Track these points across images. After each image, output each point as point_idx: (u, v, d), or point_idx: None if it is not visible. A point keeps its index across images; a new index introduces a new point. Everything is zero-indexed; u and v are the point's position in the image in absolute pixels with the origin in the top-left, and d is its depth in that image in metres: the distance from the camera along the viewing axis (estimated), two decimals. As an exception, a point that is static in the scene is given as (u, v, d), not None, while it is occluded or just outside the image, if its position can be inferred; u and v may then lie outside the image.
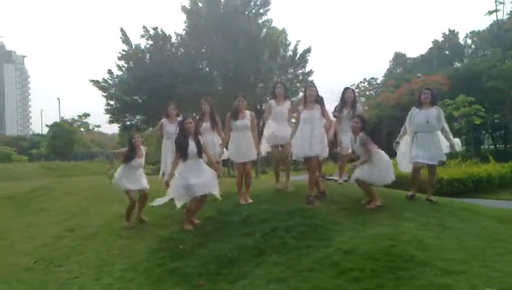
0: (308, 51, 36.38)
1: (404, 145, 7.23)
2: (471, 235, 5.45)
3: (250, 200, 7.18)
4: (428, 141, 6.86)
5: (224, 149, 7.66)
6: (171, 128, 7.94)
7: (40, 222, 9.45)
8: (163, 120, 8.24)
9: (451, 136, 6.99)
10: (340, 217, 6.13)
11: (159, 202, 6.76)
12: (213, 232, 6.46)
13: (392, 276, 4.45)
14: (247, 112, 7.35)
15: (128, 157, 7.63)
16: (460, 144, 7.16)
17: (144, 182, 7.75)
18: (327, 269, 4.82)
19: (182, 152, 6.59)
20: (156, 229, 7.15)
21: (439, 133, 6.95)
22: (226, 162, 8.16)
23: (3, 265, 6.95)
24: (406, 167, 7.23)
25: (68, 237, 7.92)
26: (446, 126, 7.00)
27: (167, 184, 6.76)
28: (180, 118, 7.45)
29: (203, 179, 6.61)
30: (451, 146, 6.95)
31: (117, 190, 7.95)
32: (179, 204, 6.68)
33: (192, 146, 6.61)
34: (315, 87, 7.03)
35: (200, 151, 6.66)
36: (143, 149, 7.83)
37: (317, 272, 4.82)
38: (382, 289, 4.32)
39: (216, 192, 6.79)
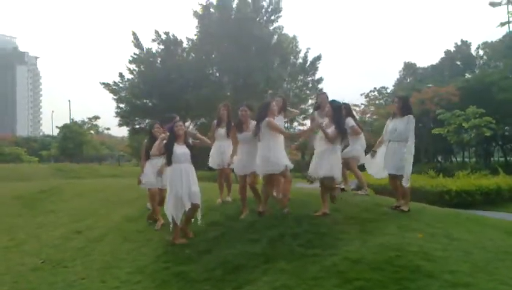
0: (318, 58, 36.39)
1: (380, 155, 7.24)
2: (478, 247, 5.40)
3: (262, 209, 6.84)
4: (395, 150, 6.83)
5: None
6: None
7: (49, 223, 9.55)
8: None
9: (410, 151, 6.75)
10: (347, 226, 6.11)
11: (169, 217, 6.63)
12: (219, 237, 6.46)
13: (398, 287, 4.43)
14: (252, 123, 7.00)
15: (151, 149, 7.29)
16: (408, 179, 6.77)
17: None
18: (333, 278, 4.81)
19: (168, 157, 6.52)
20: (163, 234, 7.17)
21: (409, 144, 6.77)
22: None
23: (11, 265, 7.03)
24: (376, 173, 7.32)
25: (76, 238, 7.99)
26: (411, 138, 6.78)
27: None
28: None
29: (193, 187, 6.52)
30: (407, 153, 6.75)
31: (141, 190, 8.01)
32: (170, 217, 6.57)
33: (181, 150, 6.54)
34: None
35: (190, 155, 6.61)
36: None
37: (323, 281, 4.81)
38: (387, 299, 4.31)
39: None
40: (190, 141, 6.87)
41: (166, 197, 6.60)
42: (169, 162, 6.53)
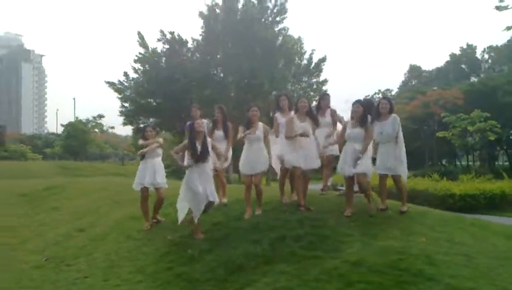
0: (323, 60, 36.32)
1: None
2: (481, 252, 5.39)
3: (259, 212, 7.05)
4: (386, 151, 6.84)
5: (229, 157, 7.88)
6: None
7: (52, 221, 9.59)
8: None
9: (403, 150, 6.84)
10: (349, 229, 6.10)
11: (180, 215, 6.80)
12: (221, 238, 6.48)
13: (399, 290, 4.42)
14: (260, 124, 7.24)
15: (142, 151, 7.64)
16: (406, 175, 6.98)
17: (158, 178, 7.64)
18: (334, 281, 4.80)
19: (194, 156, 6.60)
20: (165, 233, 7.19)
21: (399, 143, 6.82)
22: (238, 169, 8.22)
23: (14, 262, 7.06)
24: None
25: (79, 236, 8.02)
26: (400, 135, 6.83)
27: None
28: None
29: (209, 185, 6.65)
30: (399, 158, 6.81)
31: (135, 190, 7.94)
32: (181, 217, 6.76)
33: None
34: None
35: (205, 155, 6.67)
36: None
37: (324, 283, 4.80)
38: (389, 302, 4.30)
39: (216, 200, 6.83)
40: (208, 141, 6.88)
41: (182, 194, 6.70)
42: (196, 160, 6.58)
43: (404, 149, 6.91)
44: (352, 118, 6.90)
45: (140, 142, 7.80)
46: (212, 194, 6.63)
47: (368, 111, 7.28)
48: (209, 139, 6.89)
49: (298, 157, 6.89)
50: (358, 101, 6.98)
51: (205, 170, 6.68)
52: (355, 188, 7.16)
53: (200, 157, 6.59)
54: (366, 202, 6.86)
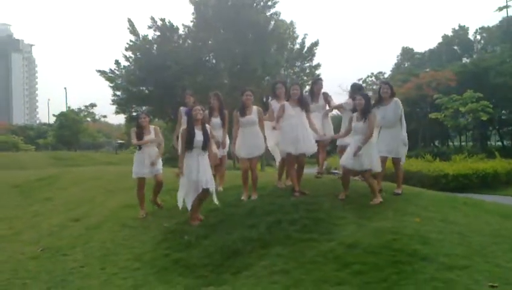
0: (315, 44, 36.17)
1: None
2: (474, 231, 5.45)
3: (255, 197, 7.08)
4: (389, 134, 6.94)
5: (227, 144, 7.90)
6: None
7: (47, 211, 9.57)
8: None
9: (404, 129, 6.94)
10: (344, 212, 6.14)
11: (179, 203, 6.75)
12: (218, 223, 6.50)
13: (394, 270, 4.46)
14: (254, 107, 7.26)
15: (137, 138, 7.60)
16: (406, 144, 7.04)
17: (156, 166, 7.66)
18: (330, 262, 4.85)
19: (188, 142, 6.53)
20: (161, 220, 7.20)
21: (403, 126, 6.93)
22: (232, 155, 8.22)
23: (10, 253, 7.04)
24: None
25: (74, 226, 8.01)
26: (403, 119, 6.94)
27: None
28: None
29: (206, 174, 6.58)
30: (402, 141, 6.95)
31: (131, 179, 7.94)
32: (180, 204, 6.73)
33: (199, 137, 6.55)
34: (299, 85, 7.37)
35: (206, 142, 6.60)
36: (152, 129, 7.72)
37: (320, 265, 4.85)
38: (384, 282, 4.34)
39: (213, 190, 6.70)
40: (208, 127, 6.79)
41: (181, 182, 6.64)
42: (190, 147, 6.52)
43: (406, 132, 6.99)
44: (356, 111, 6.77)
45: (134, 140, 7.70)
46: (208, 181, 6.56)
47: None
48: (208, 126, 6.83)
49: (290, 143, 6.92)
50: (360, 92, 6.91)
51: (204, 158, 6.64)
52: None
53: (203, 146, 6.54)
54: (371, 194, 6.62)
